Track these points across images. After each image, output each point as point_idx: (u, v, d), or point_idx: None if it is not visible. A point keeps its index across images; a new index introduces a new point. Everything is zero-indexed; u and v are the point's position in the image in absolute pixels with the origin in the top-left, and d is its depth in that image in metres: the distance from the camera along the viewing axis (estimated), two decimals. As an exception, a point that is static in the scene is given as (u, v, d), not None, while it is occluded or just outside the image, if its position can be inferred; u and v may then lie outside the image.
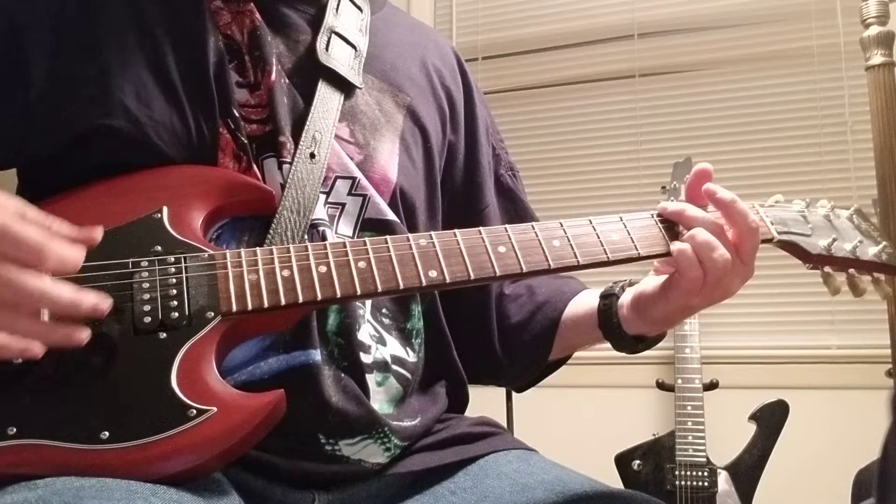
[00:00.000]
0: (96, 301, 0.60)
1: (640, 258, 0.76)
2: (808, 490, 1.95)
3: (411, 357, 0.82)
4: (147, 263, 0.66)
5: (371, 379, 0.76)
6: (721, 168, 2.18)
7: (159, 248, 0.68)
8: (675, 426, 1.89)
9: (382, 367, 0.77)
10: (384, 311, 0.81)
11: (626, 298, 0.83)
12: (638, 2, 2.34)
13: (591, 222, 0.77)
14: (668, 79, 2.30)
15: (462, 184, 0.95)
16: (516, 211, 0.99)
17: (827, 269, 0.84)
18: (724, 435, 1.90)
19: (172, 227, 0.70)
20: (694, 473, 1.85)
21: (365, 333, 0.76)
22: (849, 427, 1.94)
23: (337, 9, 0.88)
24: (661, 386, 2.05)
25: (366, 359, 0.76)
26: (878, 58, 1.56)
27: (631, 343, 0.84)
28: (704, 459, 1.85)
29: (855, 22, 1.70)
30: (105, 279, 0.65)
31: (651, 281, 0.80)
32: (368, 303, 0.79)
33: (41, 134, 0.76)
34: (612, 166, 2.29)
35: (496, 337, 0.94)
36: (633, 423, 2.08)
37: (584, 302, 0.89)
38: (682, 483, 1.84)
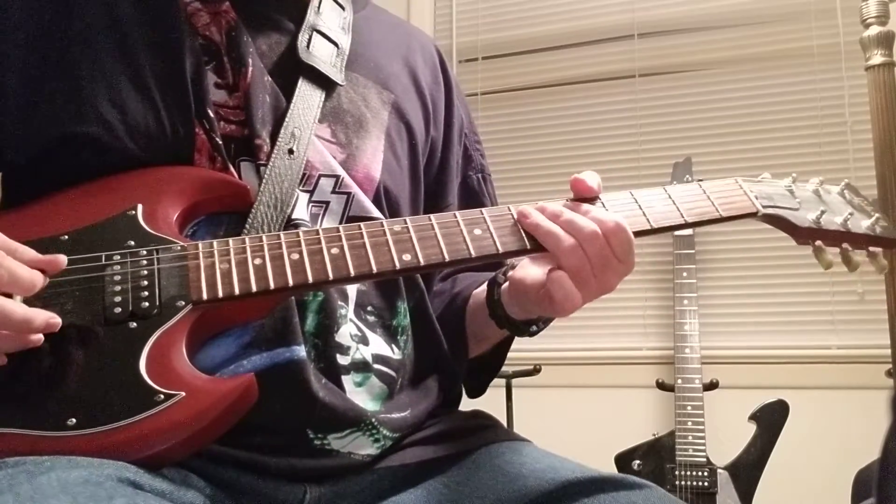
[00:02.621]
0: (47, 318, 0.61)
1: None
2: (808, 490, 1.95)
3: (396, 354, 0.81)
4: (119, 257, 0.67)
5: (348, 380, 0.75)
6: (721, 168, 2.18)
7: (132, 242, 0.69)
8: (675, 426, 1.89)
9: (362, 367, 0.77)
10: (369, 308, 0.80)
11: (506, 284, 0.82)
12: (638, 2, 2.34)
13: (567, 201, 0.75)
14: (668, 79, 2.30)
15: (432, 181, 0.96)
16: None
17: (818, 243, 0.82)
18: (724, 435, 1.91)
19: (146, 223, 0.70)
20: (694, 473, 1.85)
21: (345, 334, 0.76)
22: (849, 427, 1.94)
23: (319, 7, 0.89)
24: (661, 386, 2.05)
25: (342, 360, 0.75)
26: (878, 58, 1.56)
27: (521, 327, 0.83)
28: (704, 459, 1.85)
29: (855, 22, 1.70)
30: (78, 272, 0.65)
31: (533, 269, 0.77)
32: (352, 301, 0.78)
33: (15, 142, 0.76)
34: (612, 166, 2.29)
35: None
36: (633, 423, 2.08)
37: (483, 289, 0.87)
38: (682, 483, 1.84)
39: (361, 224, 0.71)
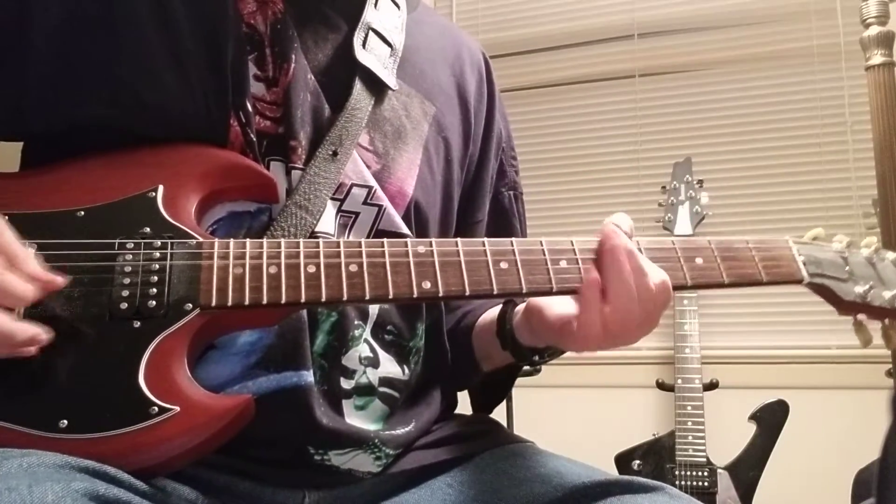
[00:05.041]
0: (32, 335, 0.57)
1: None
2: (808, 490, 1.95)
3: (405, 376, 0.79)
4: (133, 245, 0.64)
5: (349, 404, 0.73)
6: (721, 168, 2.18)
7: (148, 229, 0.66)
8: (675, 426, 1.89)
9: (365, 391, 0.75)
10: (389, 328, 0.78)
11: (521, 306, 0.79)
12: (638, 2, 2.34)
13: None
14: (668, 79, 2.30)
15: (464, 195, 0.92)
16: (507, 233, 0.94)
17: (860, 316, 0.78)
18: (724, 435, 1.90)
19: (165, 209, 0.67)
20: (694, 473, 1.85)
21: (353, 357, 0.74)
22: (849, 427, 1.94)
23: (376, 4, 0.84)
24: (661, 386, 2.05)
25: (345, 385, 0.73)
26: (878, 58, 1.57)
27: (526, 354, 0.80)
28: (704, 459, 1.85)
29: (855, 22, 1.70)
30: (88, 258, 0.63)
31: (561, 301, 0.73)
32: (371, 320, 0.76)
33: (38, 114, 0.73)
34: (612, 166, 2.29)
35: None
36: (633, 423, 2.08)
37: (496, 308, 0.84)
38: (682, 483, 1.84)
39: (385, 241, 0.67)
